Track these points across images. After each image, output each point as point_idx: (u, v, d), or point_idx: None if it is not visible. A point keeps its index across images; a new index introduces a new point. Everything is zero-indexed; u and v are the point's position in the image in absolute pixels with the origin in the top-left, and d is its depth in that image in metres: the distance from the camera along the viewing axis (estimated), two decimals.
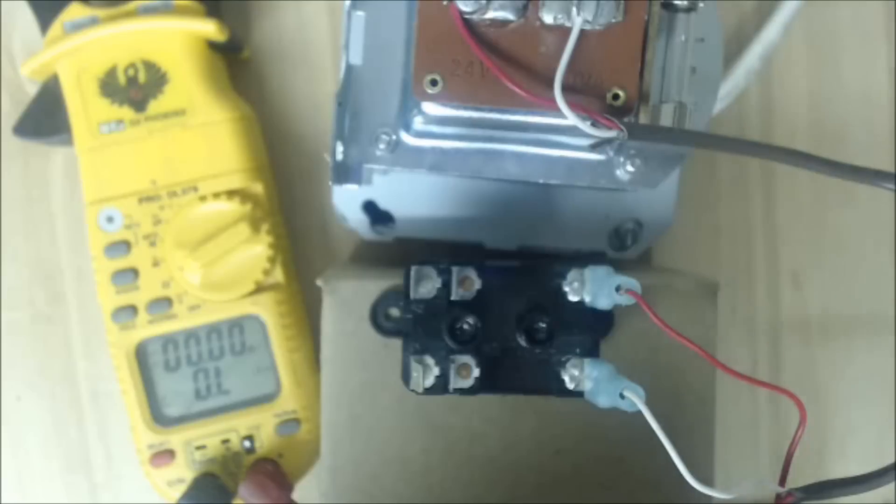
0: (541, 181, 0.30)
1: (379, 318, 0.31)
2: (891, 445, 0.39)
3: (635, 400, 0.24)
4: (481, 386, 0.25)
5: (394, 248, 0.35)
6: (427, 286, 0.25)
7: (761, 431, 0.39)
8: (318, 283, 0.31)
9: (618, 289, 0.24)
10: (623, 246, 0.34)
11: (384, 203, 0.34)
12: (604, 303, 0.25)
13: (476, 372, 0.25)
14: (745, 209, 0.38)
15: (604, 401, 0.24)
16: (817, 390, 0.39)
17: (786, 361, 0.39)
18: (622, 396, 0.24)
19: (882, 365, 0.39)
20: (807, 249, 0.39)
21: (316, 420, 0.34)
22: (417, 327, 0.25)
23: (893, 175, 0.18)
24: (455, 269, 0.25)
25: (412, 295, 0.25)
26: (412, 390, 0.25)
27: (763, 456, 0.39)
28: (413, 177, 0.33)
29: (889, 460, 0.22)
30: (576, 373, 0.25)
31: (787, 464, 0.24)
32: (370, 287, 0.31)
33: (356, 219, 0.34)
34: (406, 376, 0.25)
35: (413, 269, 0.25)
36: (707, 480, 0.31)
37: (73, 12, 0.34)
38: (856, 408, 0.39)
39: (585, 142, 0.27)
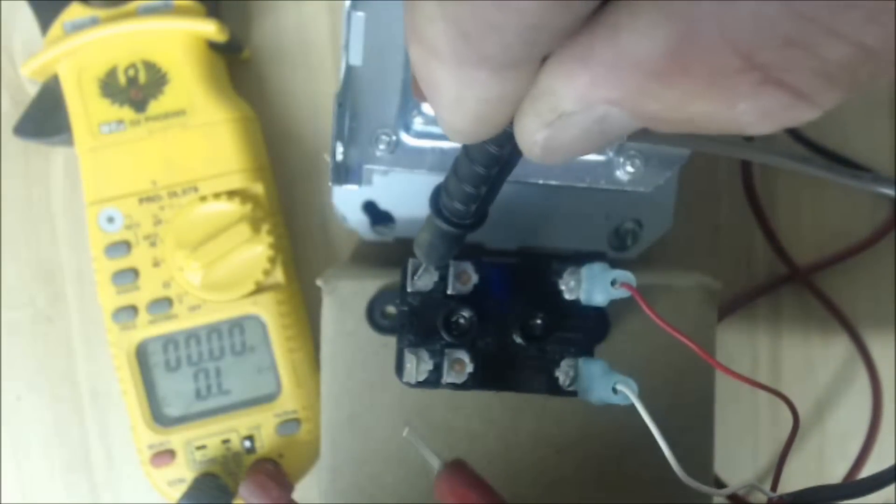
0: (540, 181, 0.30)
1: (375, 316, 0.31)
2: (891, 447, 0.39)
3: (628, 393, 0.23)
4: (474, 382, 0.25)
5: (394, 248, 0.35)
6: (424, 279, 0.25)
7: (761, 431, 0.39)
8: (318, 283, 0.31)
9: (613, 283, 0.24)
10: (623, 246, 0.34)
11: (384, 203, 0.34)
12: (600, 298, 0.24)
13: (470, 367, 0.25)
14: (744, 208, 0.38)
15: (597, 396, 0.24)
16: (817, 390, 0.39)
17: (786, 361, 0.39)
18: (615, 391, 0.24)
19: (882, 365, 0.39)
20: (807, 249, 0.39)
21: (316, 420, 0.34)
22: (413, 320, 0.25)
23: (892, 180, 0.18)
24: (452, 264, 0.25)
25: (409, 287, 0.25)
26: (405, 382, 0.25)
27: (763, 455, 0.39)
28: (413, 177, 0.33)
29: (889, 462, 0.22)
30: (570, 371, 0.25)
31: (780, 468, 0.24)
32: (369, 287, 0.31)
33: (356, 219, 0.34)
34: (399, 368, 0.25)
35: (411, 261, 0.25)
36: (706, 480, 0.31)
37: (74, 13, 0.34)
38: (856, 408, 0.39)
39: None
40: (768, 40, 0.13)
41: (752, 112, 0.14)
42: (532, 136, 0.16)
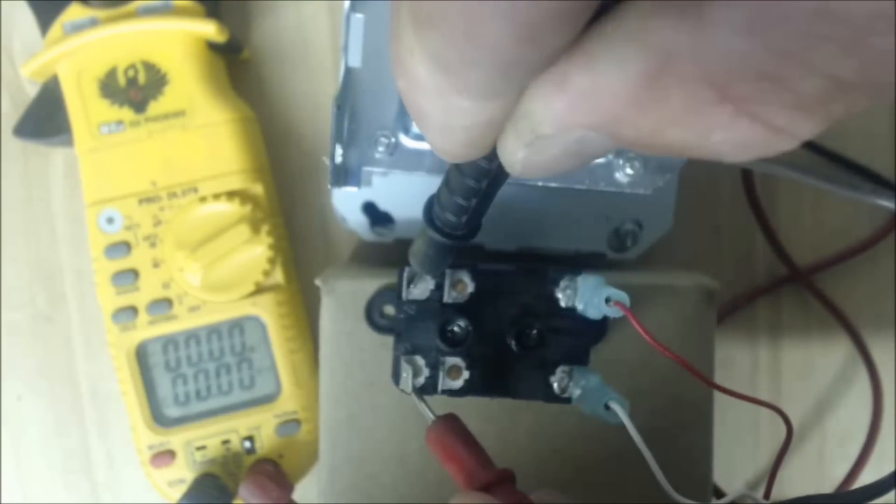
0: (540, 183, 0.30)
1: (374, 315, 0.31)
2: (891, 448, 0.39)
3: (619, 412, 0.24)
4: (470, 388, 0.25)
5: (394, 248, 0.35)
6: (420, 287, 0.25)
7: (761, 431, 0.39)
8: (317, 283, 0.31)
9: (607, 300, 0.24)
10: (623, 247, 0.34)
11: (384, 204, 0.34)
12: (593, 313, 0.24)
13: (466, 374, 0.25)
14: (744, 209, 0.38)
15: (589, 408, 0.24)
16: (817, 391, 0.39)
17: (786, 362, 0.39)
18: (607, 407, 0.24)
19: (882, 366, 0.39)
20: (807, 250, 0.39)
21: (316, 420, 0.34)
22: (409, 328, 0.25)
23: (892, 191, 0.18)
24: (448, 272, 0.25)
25: (405, 296, 0.25)
26: (401, 390, 0.25)
27: (763, 456, 0.39)
28: (412, 178, 0.33)
29: (889, 462, 0.22)
30: (564, 380, 0.25)
31: (772, 477, 0.24)
32: (368, 287, 0.31)
33: (356, 220, 0.34)
34: (396, 375, 0.25)
35: (406, 269, 0.25)
36: (705, 482, 0.31)
37: (73, 13, 0.34)
38: (856, 409, 0.39)
39: None
40: (742, 74, 0.12)
41: (727, 142, 0.14)
42: (513, 155, 0.16)
